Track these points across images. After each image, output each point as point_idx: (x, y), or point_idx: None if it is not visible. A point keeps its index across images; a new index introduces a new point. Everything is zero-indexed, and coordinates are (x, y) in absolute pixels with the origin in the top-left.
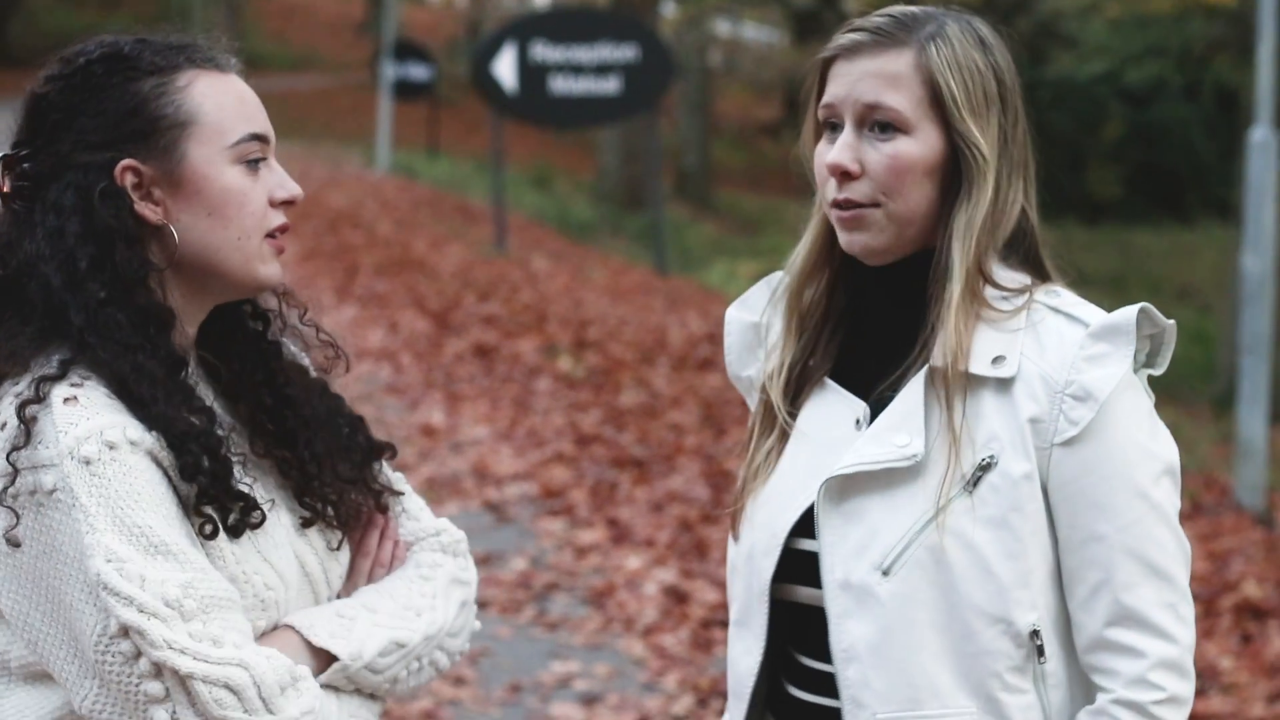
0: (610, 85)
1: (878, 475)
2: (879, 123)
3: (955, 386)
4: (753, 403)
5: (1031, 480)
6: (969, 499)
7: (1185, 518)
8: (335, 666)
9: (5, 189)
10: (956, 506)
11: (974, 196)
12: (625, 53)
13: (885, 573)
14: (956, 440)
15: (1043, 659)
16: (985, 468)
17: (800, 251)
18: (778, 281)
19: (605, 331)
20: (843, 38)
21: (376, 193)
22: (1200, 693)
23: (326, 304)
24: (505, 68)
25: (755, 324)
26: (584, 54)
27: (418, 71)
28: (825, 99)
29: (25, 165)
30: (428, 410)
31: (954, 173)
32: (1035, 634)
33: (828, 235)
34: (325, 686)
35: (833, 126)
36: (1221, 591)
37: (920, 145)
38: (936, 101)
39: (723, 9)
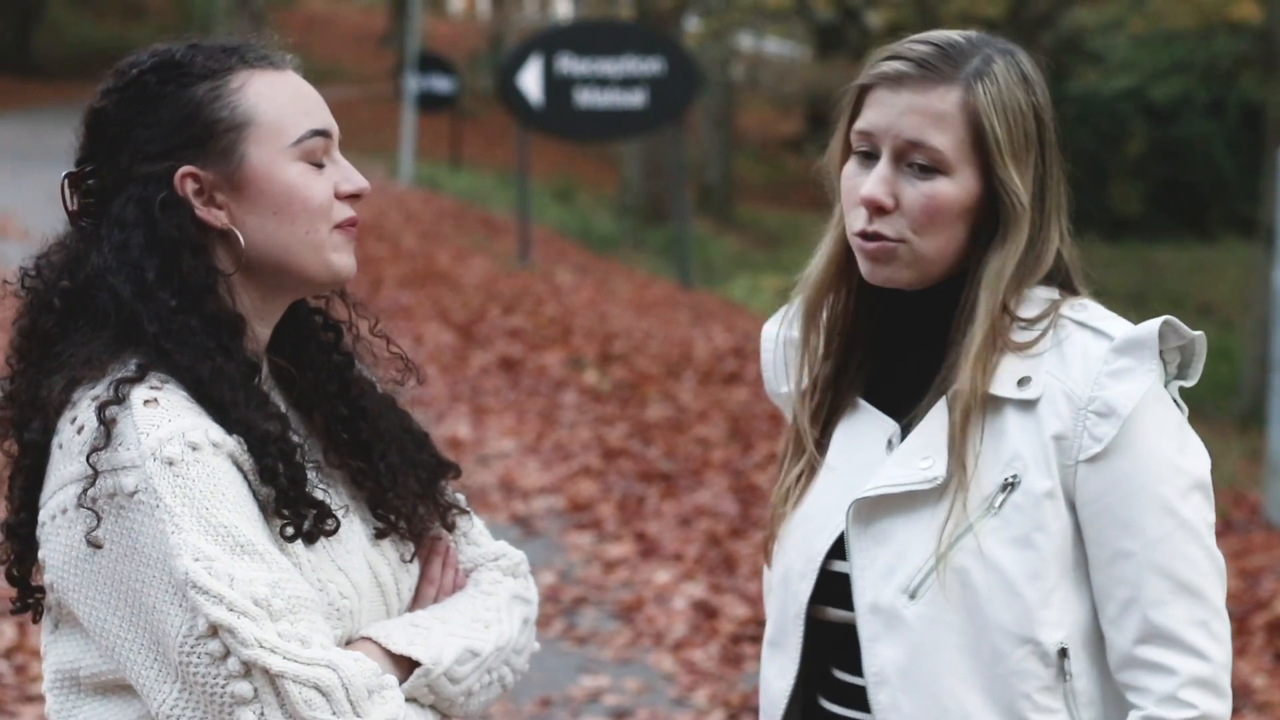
0: (636, 98)
1: (903, 498)
2: (919, 162)
3: (976, 409)
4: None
5: (1054, 498)
6: (993, 519)
7: (1215, 535)
8: (418, 673)
9: (72, 207)
10: (981, 528)
11: (1009, 244)
12: (651, 66)
13: (912, 596)
14: (979, 461)
15: (1069, 677)
16: (1009, 487)
17: (816, 267)
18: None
19: (631, 345)
20: (886, 65)
21: (400, 205)
22: (1234, 712)
23: None
24: (530, 80)
25: (792, 339)
26: (609, 67)
27: (441, 84)
28: (863, 125)
29: (89, 182)
30: (454, 423)
31: (986, 215)
32: (1063, 652)
33: (845, 252)
34: (406, 699)
35: (865, 154)
36: (1253, 610)
37: (958, 188)
38: (979, 144)
39: (746, 23)
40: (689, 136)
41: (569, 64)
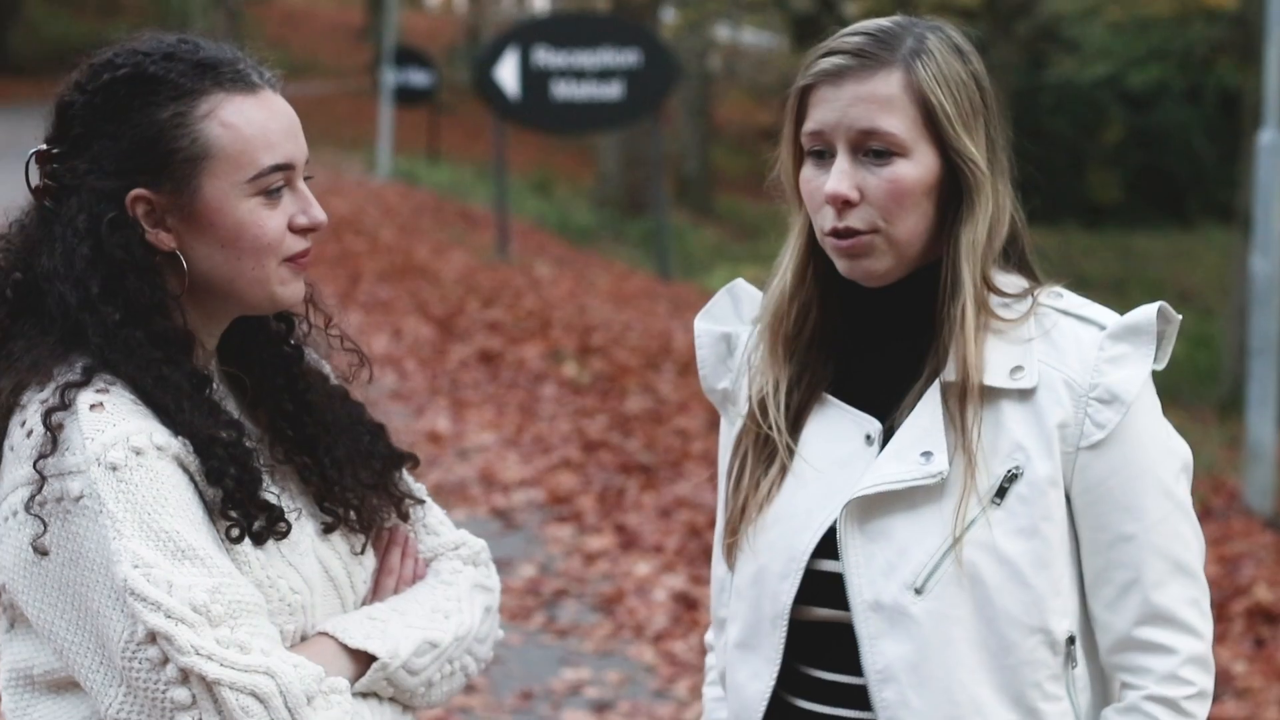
0: (613, 90)
1: (902, 494)
2: (875, 149)
3: (973, 400)
4: (727, 416)
5: (1057, 486)
6: (998, 511)
7: None
8: (375, 666)
9: (37, 184)
10: (986, 519)
11: (976, 212)
12: (627, 58)
13: (919, 591)
14: (980, 454)
15: (1074, 664)
16: (1012, 478)
17: (784, 275)
18: (741, 291)
19: (610, 337)
20: (824, 62)
21: (378, 199)
22: (1214, 699)
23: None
24: (507, 73)
25: (725, 334)
26: (586, 59)
27: (418, 77)
28: (812, 125)
29: (54, 165)
30: (433, 417)
31: (950, 190)
32: (1071, 640)
33: (810, 257)
34: (365, 694)
35: (818, 154)
36: (1233, 596)
37: (918, 167)
38: (930, 120)
39: (722, 14)
40: (667, 128)
41: (546, 56)
